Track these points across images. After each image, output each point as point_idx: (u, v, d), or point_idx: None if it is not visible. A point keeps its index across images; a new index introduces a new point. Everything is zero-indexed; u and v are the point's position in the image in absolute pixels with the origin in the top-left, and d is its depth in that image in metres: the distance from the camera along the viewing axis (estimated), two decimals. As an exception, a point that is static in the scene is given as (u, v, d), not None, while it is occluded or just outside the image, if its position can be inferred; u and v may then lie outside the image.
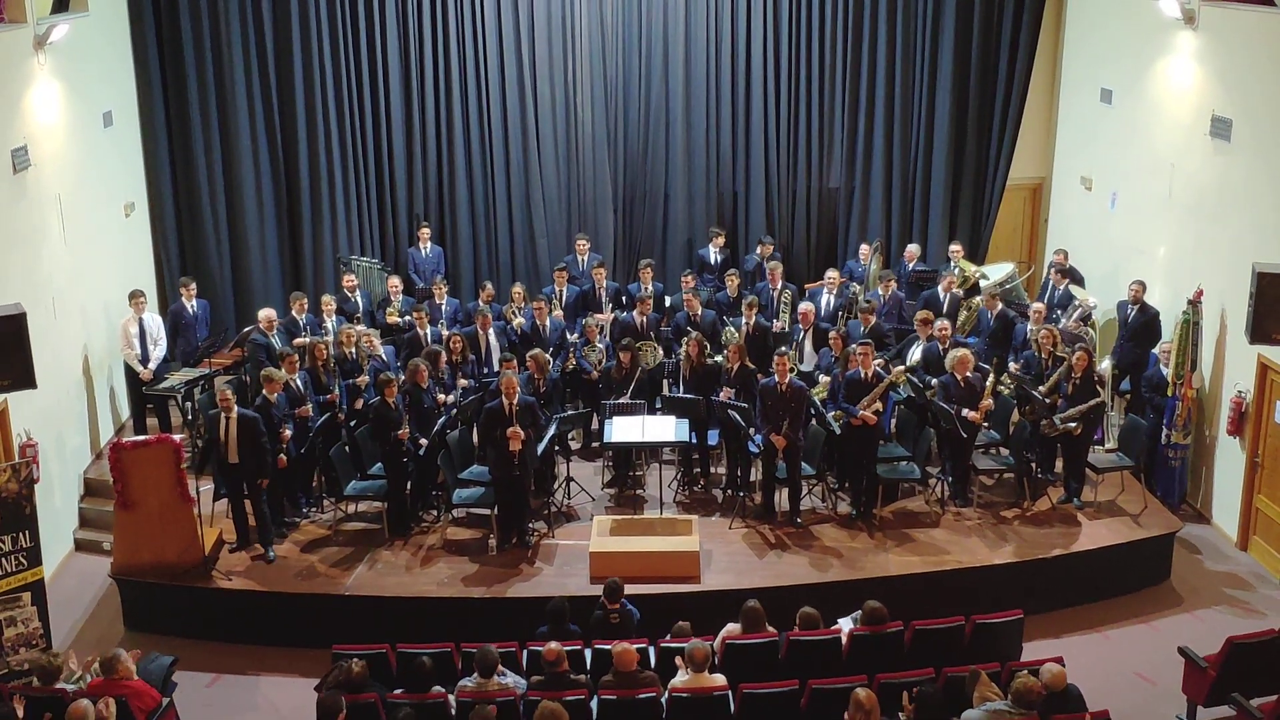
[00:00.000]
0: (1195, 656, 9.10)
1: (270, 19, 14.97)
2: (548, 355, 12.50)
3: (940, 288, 13.83)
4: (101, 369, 13.33)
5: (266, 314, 13.01)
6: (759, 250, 15.04)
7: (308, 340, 12.55)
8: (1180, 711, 9.31)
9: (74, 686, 8.37)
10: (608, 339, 13.35)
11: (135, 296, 13.07)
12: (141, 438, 11.28)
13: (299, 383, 11.73)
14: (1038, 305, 13.07)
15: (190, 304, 13.58)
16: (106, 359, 13.44)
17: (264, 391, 11.32)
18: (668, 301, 14.47)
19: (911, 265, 14.76)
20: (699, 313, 13.30)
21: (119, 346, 13.18)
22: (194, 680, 9.99)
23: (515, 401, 11.01)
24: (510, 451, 10.92)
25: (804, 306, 13.32)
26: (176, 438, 11.01)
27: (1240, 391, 11.78)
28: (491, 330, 13.13)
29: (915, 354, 12.63)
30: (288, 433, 11.30)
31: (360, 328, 13.13)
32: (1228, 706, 8.84)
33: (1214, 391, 12.26)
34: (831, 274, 14.24)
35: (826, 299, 13.94)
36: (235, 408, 10.93)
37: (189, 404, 12.93)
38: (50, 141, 12.15)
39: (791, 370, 11.67)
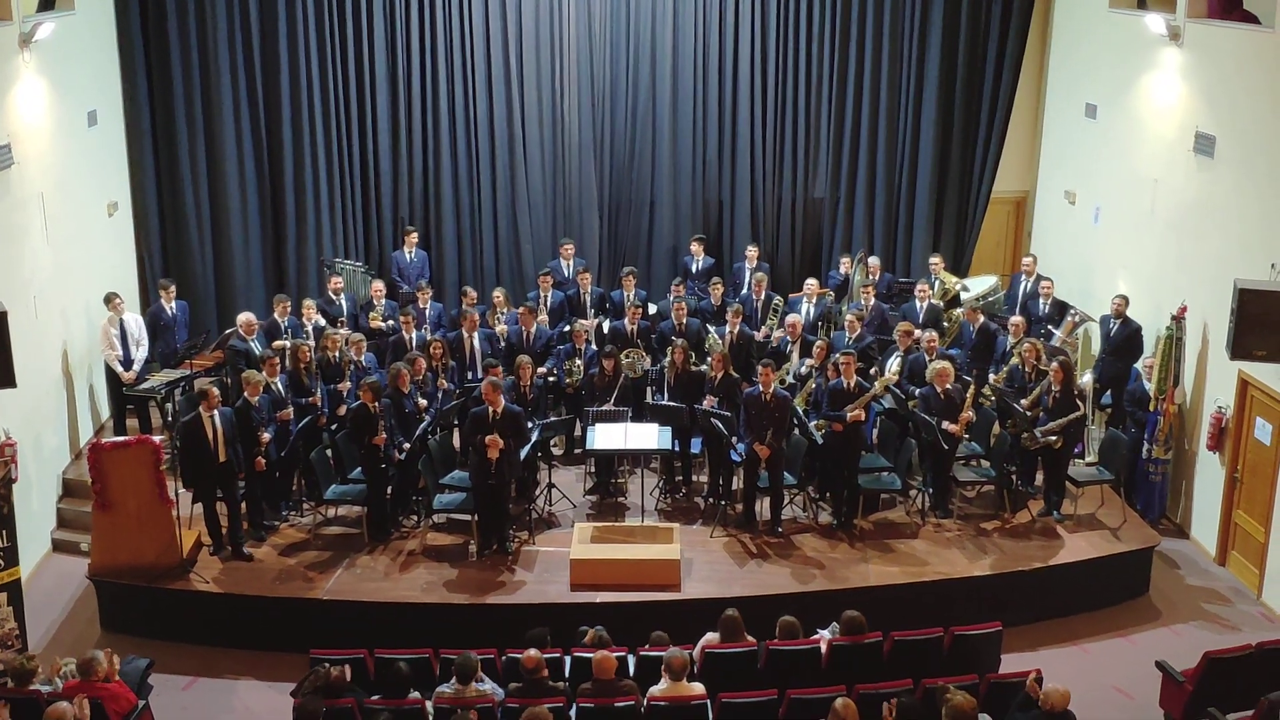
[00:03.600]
0: (1173, 671, 9.14)
1: (257, 21, 14.92)
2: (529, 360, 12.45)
3: (916, 299, 13.85)
4: (81, 369, 13.24)
5: (246, 318, 12.92)
6: (747, 258, 15.01)
7: (289, 343, 12.49)
8: (1157, 726, 9.35)
9: (49, 688, 8.31)
10: (593, 346, 13.32)
11: (111, 299, 12.95)
12: (121, 438, 11.20)
13: (280, 385, 11.69)
14: (1016, 319, 13.09)
15: (169, 305, 13.50)
16: (87, 359, 13.35)
17: (245, 394, 11.27)
18: (652, 309, 14.45)
19: (875, 277, 14.53)
20: (684, 321, 13.30)
21: (100, 347, 13.10)
22: (170, 683, 9.94)
23: (499, 409, 10.98)
24: (488, 459, 10.89)
25: (791, 318, 13.32)
26: (156, 439, 10.96)
27: (1220, 407, 11.83)
28: (477, 334, 13.09)
29: (893, 364, 12.65)
30: (266, 436, 11.24)
31: (344, 331, 13.08)
32: (1204, 721, 8.87)
33: (1194, 407, 12.31)
34: (811, 283, 14.23)
35: (806, 308, 13.95)
36: (219, 406, 10.90)
37: (169, 405, 12.87)
38: (34, 140, 12.08)
39: (781, 381, 11.65)
